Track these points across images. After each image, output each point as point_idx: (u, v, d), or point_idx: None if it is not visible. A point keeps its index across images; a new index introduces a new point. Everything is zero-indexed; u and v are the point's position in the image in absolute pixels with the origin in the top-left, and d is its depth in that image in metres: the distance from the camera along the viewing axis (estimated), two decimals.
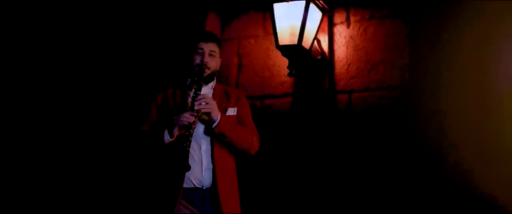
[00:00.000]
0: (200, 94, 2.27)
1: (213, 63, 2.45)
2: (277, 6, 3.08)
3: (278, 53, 3.14)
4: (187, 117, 2.20)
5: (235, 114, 2.47)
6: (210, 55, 2.43)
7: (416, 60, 2.99)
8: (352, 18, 3.22)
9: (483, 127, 2.75)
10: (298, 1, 3.02)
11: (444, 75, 2.89)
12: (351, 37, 3.21)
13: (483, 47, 2.81)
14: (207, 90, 2.44)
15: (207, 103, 2.27)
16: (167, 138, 2.23)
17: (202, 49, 2.42)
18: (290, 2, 3.04)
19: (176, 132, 2.22)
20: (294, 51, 3.06)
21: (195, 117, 2.22)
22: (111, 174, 3.46)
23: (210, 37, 2.48)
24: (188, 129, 2.20)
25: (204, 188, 2.33)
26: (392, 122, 3.00)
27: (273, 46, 3.15)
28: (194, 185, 2.31)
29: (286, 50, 3.08)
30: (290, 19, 3.05)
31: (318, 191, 3.13)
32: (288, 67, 3.11)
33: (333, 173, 3.12)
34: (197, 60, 2.41)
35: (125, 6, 3.74)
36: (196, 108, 2.23)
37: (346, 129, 3.13)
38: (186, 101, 2.38)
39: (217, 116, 2.30)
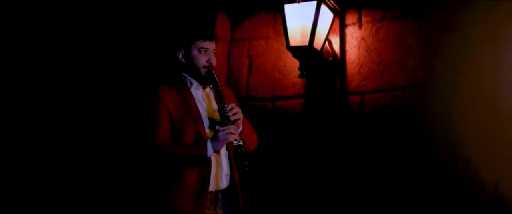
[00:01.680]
0: (228, 105, 2.23)
1: (215, 63, 2.37)
2: (288, 7, 3.08)
3: (289, 54, 3.15)
4: (234, 134, 2.16)
5: None
6: (213, 54, 2.35)
7: (428, 61, 2.99)
8: (363, 19, 3.22)
9: (493, 127, 2.75)
10: (309, 2, 3.02)
11: (455, 75, 2.88)
12: (363, 38, 3.20)
13: (494, 47, 2.81)
14: (208, 90, 2.41)
15: (237, 113, 2.24)
16: (210, 153, 2.19)
17: (207, 48, 2.32)
18: (301, 3, 3.04)
19: (221, 148, 2.20)
20: (305, 53, 3.07)
21: (236, 129, 2.20)
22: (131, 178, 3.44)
23: (212, 36, 2.39)
24: (239, 147, 2.18)
25: (219, 191, 2.32)
26: (404, 123, 3.00)
27: (284, 47, 3.16)
28: (212, 188, 2.28)
29: (297, 51, 3.08)
30: (301, 20, 3.05)
31: (330, 192, 3.14)
32: (299, 68, 3.11)
33: (345, 175, 3.12)
34: (203, 61, 2.31)
35: (135, 5, 3.74)
36: (231, 118, 2.21)
37: (358, 131, 3.13)
38: (196, 107, 2.30)
39: (241, 123, 2.30)
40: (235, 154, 2.27)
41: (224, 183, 2.32)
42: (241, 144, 2.19)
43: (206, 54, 2.31)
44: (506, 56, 2.77)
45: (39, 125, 3.59)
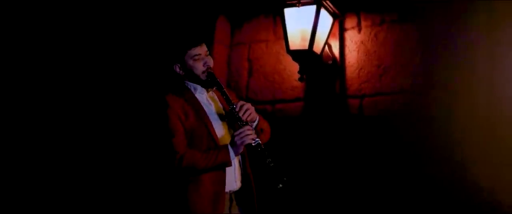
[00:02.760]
0: (237, 104, 2.23)
1: (212, 63, 2.36)
2: (287, 11, 3.09)
3: (289, 58, 3.16)
4: (250, 135, 2.17)
5: None
6: (207, 56, 2.34)
7: (427, 64, 3.00)
8: (363, 23, 3.23)
9: (490, 131, 2.77)
10: (309, 6, 3.03)
11: (453, 79, 2.90)
12: (362, 42, 3.22)
13: (492, 51, 2.83)
14: (211, 93, 2.42)
15: (248, 109, 2.24)
16: (233, 156, 2.19)
17: (200, 54, 2.31)
18: (301, 7, 3.04)
19: (241, 151, 2.21)
20: (305, 56, 3.08)
21: (252, 129, 2.21)
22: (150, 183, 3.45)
23: (201, 39, 2.37)
24: (259, 146, 2.18)
25: (231, 192, 2.33)
26: (402, 126, 3.01)
27: (283, 51, 3.17)
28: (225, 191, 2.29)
29: (297, 55, 3.09)
30: (301, 24, 3.07)
31: (330, 194, 3.14)
32: (299, 72, 3.12)
33: (344, 177, 3.13)
34: (200, 67, 2.31)
35: (135, 9, 3.76)
36: (244, 119, 2.21)
37: (358, 134, 3.14)
38: (203, 110, 2.32)
39: (256, 114, 2.30)
40: (256, 154, 2.23)
41: (238, 184, 2.34)
42: (260, 142, 2.19)
43: (201, 59, 2.31)
44: (504, 61, 2.79)
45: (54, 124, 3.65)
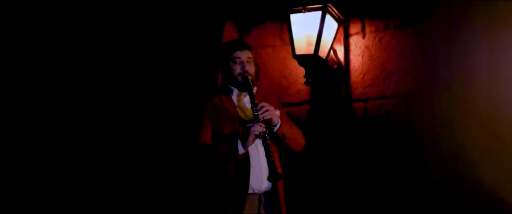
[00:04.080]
0: (258, 103, 2.33)
1: (251, 69, 2.50)
2: (293, 16, 3.10)
3: (295, 62, 3.17)
4: (258, 128, 2.26)
5: (280, 115, 2.51)
6: (248, 62, 2.48)
7: (429, 68, 3.02)
8: (367, 29, 3.24)
9: (492, 131, 2.79)
10: (314, 12, 3.04)
11: (455, 82, 2.91)
12: (366, 47, 3.23)
13: (492, 52, 2.85)
14: (244, 95, 2.51)
15: (267, 110, 2.33)
16: (241, 150, 2.27)
17: (239, 57, 2.46)
18: (307, 13, 3.05)
19: (249, 144, 2.28)
20: (311, 61, 3.09)
21: (264, 126, 2.29)
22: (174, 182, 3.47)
23: (244, 45, 2.54)
24: (265, 140, 2.29)
25: (261, 193, 2.39)
26: (406, 128, 3.03)
27: (290, 56, 3.18)
28: (254, 190, 2.36)
29: (302, 59, 3.11)
30: (306, 29, 3.07)
31: (336, 195, 3.16)
32: (305, 76, 3.14)
33: (349, 178, 3.14)
34: (238, 69, 2.45)
35: (142, 15, 3.75)
36: (260, 117, 2.30)
37: (362, 136, 3.16)
38: (235, 110, 2.42)
39: (277, 119, 2.39)
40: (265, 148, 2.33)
41: (265, 185, 2.39)
42: (267, 137, 2.29)
43: (240, 63, 2.46)
44: (503, 62, 2.81)
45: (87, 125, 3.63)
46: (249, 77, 2.44)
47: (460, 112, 2.89)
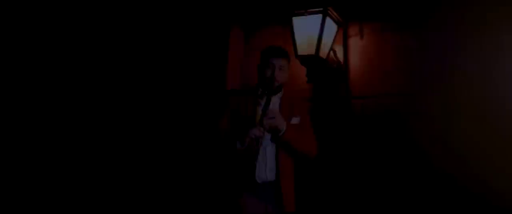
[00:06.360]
0: (268, 110, 2.47)
1: (282, 76, 2.59)
2: (295, 19, 3.18)
3: (297, 62, 3.21)
4: (256, 132, 2.43)
5: (298, 122, 2.64)
6: (280, 69, 2.58)
7: (425, 68, 3.06)
8: (365, 31, 3.31)
9: (488, 129, 2.82)
10: (315, 15, 3.11)
11: (451, 80, 2.95)
12: (364, 47, 3.29)
13: (485, 52, 2.89)
14: (275, 99, 2.63)
15: (273, 118, 2.47)
16: (239, 145, 2.45)
17: (272, 64, 2.57)
18: (308, 16, 3.12)
19: (246, 143, 2.45)
20: (312, 61, 3.16)
21: (263, 132, 2.45)
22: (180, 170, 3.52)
23: (280, 53, 2.62)
24: (257, 143, 2.46)
25: (264, 182, 2.54)
26: (403, 125, 3.07)
27: (292, 56, 3.17)
28: (258, 182, 2.53)
29: (304, 59, 3.18)
30: (308, 31, 3.13)
31: (335, 191, 3.20)
32: (306, 75, 3.22)
33: (348, 174, 3.18)
34: (268, 74, 2.56)
35: (150, 17, 3.81)
36: (264, 123, 2.45)
37: (361, 133, 3.21)
38: (256, 110, 2.57)
39: (282, 127, 2.51)
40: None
41: (269, 176, 2.54)
42: (260, 141, 2.47)
43: (271, 68, 2.57)
44: (495, 61, 2.86)
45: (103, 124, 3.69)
46: (276, 84, 2.58)
47: (457, 110, 2.92)
